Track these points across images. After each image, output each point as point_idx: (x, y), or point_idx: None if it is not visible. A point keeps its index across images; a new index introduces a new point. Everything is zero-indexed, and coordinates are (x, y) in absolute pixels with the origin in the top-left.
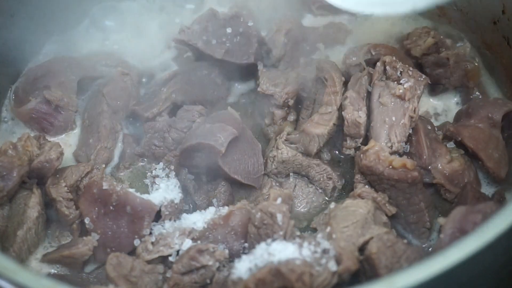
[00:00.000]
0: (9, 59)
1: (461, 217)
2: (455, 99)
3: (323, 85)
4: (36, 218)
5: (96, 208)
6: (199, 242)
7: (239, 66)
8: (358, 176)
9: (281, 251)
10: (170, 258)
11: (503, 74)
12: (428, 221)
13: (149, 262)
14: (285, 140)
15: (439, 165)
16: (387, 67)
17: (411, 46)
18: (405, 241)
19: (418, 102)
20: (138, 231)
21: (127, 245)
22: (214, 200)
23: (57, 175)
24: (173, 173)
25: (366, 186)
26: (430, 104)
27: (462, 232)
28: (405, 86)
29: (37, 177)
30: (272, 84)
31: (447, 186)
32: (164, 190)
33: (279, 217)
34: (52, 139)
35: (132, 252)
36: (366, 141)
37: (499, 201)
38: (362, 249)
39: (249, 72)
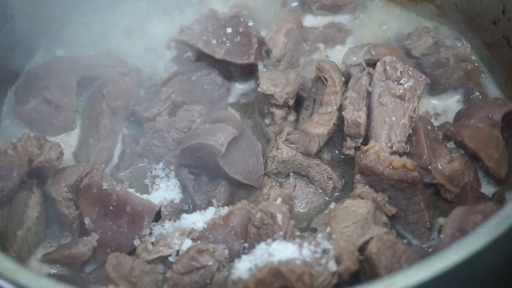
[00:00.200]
0: (9, 59)
1: (461, 217)
2: (455, 99)
3: (323, 85)
4: (36, 218)
5: (96, 208)
6: (199, 242)
7: (239, 66)
8: (358, 176)
9: (281, 251)
10: (170, 258)
11: (503, 74)
12: (428, 221)
13: (149, 262)
14: (285, 140)
15: (439, 165)
16: (387, 67)
17: (411, 46)
18: (405, 241)
19: (418, 102)
20: (138, 231)
21: (127, 245)
22: (214, 200)
23: (57, 175)
24: (173, 173)
25: (366, 186)
26: (430, 104)
27: (462, 232)
28: (405, 86)
29: (37, 177)
30: (272, 84)
31: (447, 186)
32: (164, 190)
33: (279, 217)
34: (52, 139)
35: (132, 252)
36: (366, 141)
37: (499, 201)
38: (362, 249)
39: (249, 72)
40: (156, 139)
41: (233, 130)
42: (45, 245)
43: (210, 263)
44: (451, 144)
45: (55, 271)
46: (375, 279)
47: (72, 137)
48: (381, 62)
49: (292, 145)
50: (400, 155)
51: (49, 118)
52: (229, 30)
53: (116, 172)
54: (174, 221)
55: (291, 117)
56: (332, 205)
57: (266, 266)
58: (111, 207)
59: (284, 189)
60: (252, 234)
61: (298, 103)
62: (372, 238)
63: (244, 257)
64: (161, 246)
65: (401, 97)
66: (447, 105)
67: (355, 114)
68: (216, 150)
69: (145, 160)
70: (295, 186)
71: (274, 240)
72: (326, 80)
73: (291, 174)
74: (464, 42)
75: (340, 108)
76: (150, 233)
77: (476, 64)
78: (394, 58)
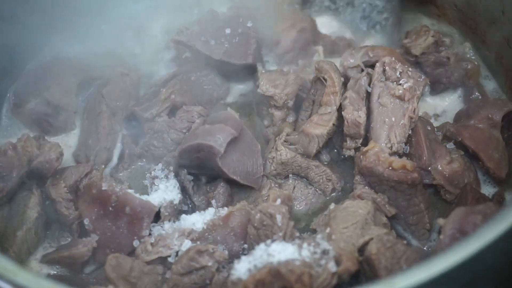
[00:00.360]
0: (9, 60)
1: (461, 218)
2: (455, 99)
3: (323, 86)
4: (36, 219)
5: (95, 209)
6: (198, 243)
7: (237, 67)
8: (357, 177)
9: (280, 252)
10: (169, 259)
11: (503, 74)
12: (428, 223)
13: (148, 263)
14: (284, 141)
15: (439, 166)
16: (387, 68)
17: (411, 45)
18: (405, 242)
19: (417, 103)
20: (137, 232)
21: (126, 246)
22: (213, 201)
23: (57, 176)
24: (172, 174)
25: (366, 187)
26: (430, 105)
27: (462, 233)
28: (404, 86)
29: (37, 177)
30: (272, 85)
31: (447, 187)
32: (163, 191)
33: (279, 218)
34: (51, 139)
35: (132, 253)
36: (365, 142)
37: (499, 202)
38: (361, 250)
39: (248, 73)
40: (155, 140)
41: (232, 131)
42: (44, 246)
43: (210, 263)
44: (450, 145)
45: (55, 272)
46: (375, 280)
47: (71, 137)
48: (380, 62)
49: (291, 146)
50: (400, 156)
51: (49, 118)
52: (228, 31)
53: (115, 172)
54: (174, 222)
55: (290, 118)
56: (332, 206)
57: (266, 266)
58: (110, 208)
59: (283, 190)
60: (251, 235)
61: (297, 104)
62: (372, 238)
63: (243, 257)
64: (160, 247)
65: (401, 98)
66: (447, 105)
67: (355, 114)
68: (215, 151)
69: (144, 160)
70: (294, 187)
71: (273, 241)
72: (326, 80)
73: (290, 175)
74: (464, 42)
75: (340, 109)
76: (150, 234)
77: (476, 63)
78: (393, 59)
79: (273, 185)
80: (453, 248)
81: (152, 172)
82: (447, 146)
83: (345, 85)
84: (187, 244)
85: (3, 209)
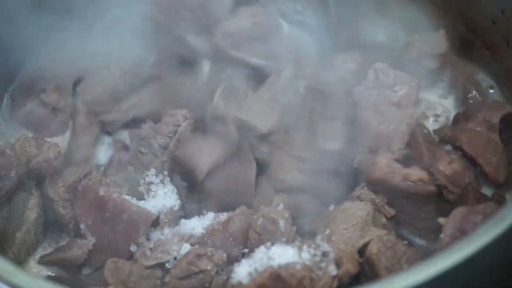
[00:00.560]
0: (4, 63)
1: (461, 217)
2: (455, 100)
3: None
4: (35, 220)
5: (92, 214)
6: (197, 246)
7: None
8: (363, 185)
9: (280, 255)
10: (167, 265)
11: (503, 74)
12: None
13: (147, 267)
14: None
15: (440, 166)
16: (380, 75)
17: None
18: (406, 242)
19: (413, 108)
20: (134, 239)
21: (123, 251)
22: (204, 211)
23: (55, 176)
24: (168, 179)
25: (365, 188)
26: (430, 105)
27: (462, 232)
28: (400, 93)
29: (36, 177)
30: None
31: (449, 187)
32: (162, 197)
33: (282, 223)
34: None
35: (129, 258)
36: None
37: (499, 202)
38: (362, 251)
39: None
40: (142, 146)
41: (219, 157)
42: (44, 246)
43: (209, 267)
44: (448, 147)
45: (54, 274)
46: (375, 280)
47: (67, 139)
48: (372, 69)
49: None
50: (399, 162)
51: (45, 120)
52: None
53: (111, 175)
54: (173, 227)
55: None
56: (331, 207)
57: (266, 270)
58: (107, 214)
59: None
60: (253, 240)
61: None
62: (372, 239)
63: (243, 261)
64: (159, 253)
65: (397, 105)
66: (447, 106)
67: None
68: (196, 174)
69: (133, 168)
70: None
71: (273, 243)
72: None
73: None
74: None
75: None
76: (148, 239)
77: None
78: (385, 64)
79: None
80: (453, 248)
81: (146, 178)
82: (445, 147)
83: None
84: (186, 248)
85: (2, 210)
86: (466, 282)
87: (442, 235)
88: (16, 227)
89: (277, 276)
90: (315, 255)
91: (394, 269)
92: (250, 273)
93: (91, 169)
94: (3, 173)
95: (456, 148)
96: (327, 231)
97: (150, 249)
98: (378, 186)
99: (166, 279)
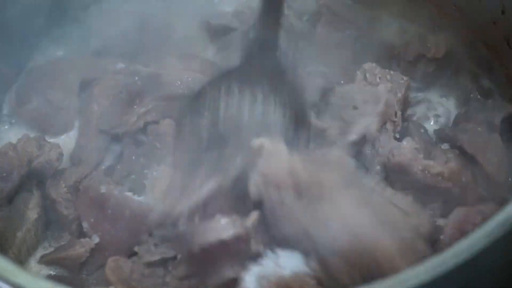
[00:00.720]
0: (10, 59)
1: (461, 218)
2: (456, 100)
3: None
4: (36, 220)
5: (94, 212)
6: None
7: None
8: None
9: (287, 260)
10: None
11: (503, 75)
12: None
13: (149, 265)
14: None
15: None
16: (367, 74)
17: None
18: None
19: (400, 106)
20: (137, 235)
21: (126, 249)
22: None
23: (57, 176)
24: None
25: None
26: (431, 105)
27: (462, 233)
28: (381, 90)
29: (37, 178)
30: None
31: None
32: None
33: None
34: (52, 139)
35: (132, 255)
36: None
37: (500, 202)
38: None
39: None
40: (158, 141)
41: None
42: (44, 246)
43: None
44: (444, 146)
45: (55, 273)
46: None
47: (72, 138)
48: (361, 70)
49: None
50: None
51: (50, 118)
52: None
53: (112, 173)
54: None
55: None
56: None
57: (276, 283)
58: (109, 211)
59: None
60: None
61: None
62: None
63: (252, 268)
64: (164, 248)
65: (376, 102)
66: (448, 106)
67: None
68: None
69: (144, 160)
70: None
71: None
72: None
73: None
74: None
75: None
76: (151, 235)
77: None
78: (373, 64)
79: None
80: (452, 248)
81: (154, 173)
82: (442, 147)
83: None
84: None
85: (3, 210)
86: (466, 283)
87: (441, 236)
88: (17, 226)
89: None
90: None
91: None
92: (259, 282)
93: (91, 169)
94: (4, 174)
95: (456, 148)
96: None
97: (155, 244)
98: (395, 173)
99: (168, 279)
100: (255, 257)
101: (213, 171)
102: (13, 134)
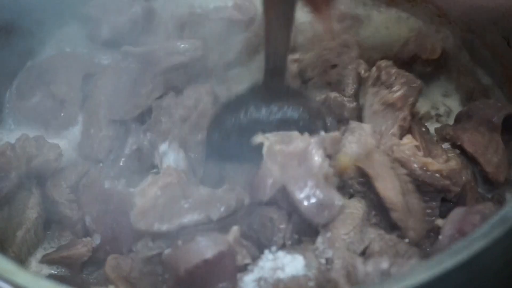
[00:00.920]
0: (12, 53)
1: (460, 218)
2: (457, 100)
3: None
4: (36, 219)
5: (97, 207)
6: None
7: None
8: None
9: (286, 263)
10: None
11: (503, 74)
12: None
13: (148, 262)
14: None
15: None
16: (382, 72)
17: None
18: (407, 240)
19: (410, 110)
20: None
21: (127, 244)
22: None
23: (57, 176)
24: (181, 149)
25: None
26: (433, 104)
27: (461, 233)
28: (396, 94)
29: (36, 177)
30: None
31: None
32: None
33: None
34: (55, 134)
35: (131, 251)
36: None
37: (499, 202)
38: (363, 252)
39: None
40: (162, 116)
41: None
42: (44, 246)
43: None
44: (446, 145)
45: (55, 272)
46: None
47: (75, 132)
48: (376, 66)
49: None
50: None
51: (53, 112)
52: None
53: (115, 164)
54: None
55: None
56: None
57: (274, 285)
58: (112, 206)
59: None
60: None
61: None
62: (371, 242)
63: (250, 269)
64: (161, 243)
65: (392, 106)
66: (449, 106)
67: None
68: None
69: (151, 136)
70: None
71: (278, 248)
72: None
73: None
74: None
75: None
76: None
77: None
78: (390, 62)
79: None
80: (452, 249)
81: (160, 149)
82: (443, 146)
83: None
84: None
85: (3, 210)
86: (465, 284)
87: (440, 237)
88: (17, 226)
89: None
90: (320, 263)
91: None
92: (258, 284)
93: (89, 167)
94: (3, 174)
95: (457, 147)
96: (328, 235)
97: (152, 240)
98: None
99: (167, 276)
100: (244, 269)
101: (204, 204)
102: (13, 134)
